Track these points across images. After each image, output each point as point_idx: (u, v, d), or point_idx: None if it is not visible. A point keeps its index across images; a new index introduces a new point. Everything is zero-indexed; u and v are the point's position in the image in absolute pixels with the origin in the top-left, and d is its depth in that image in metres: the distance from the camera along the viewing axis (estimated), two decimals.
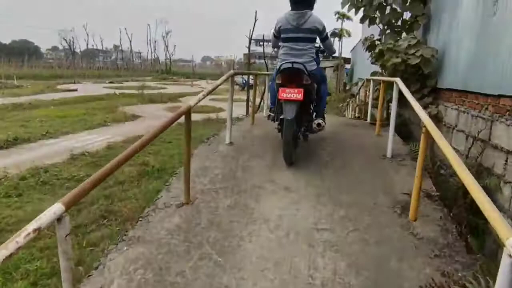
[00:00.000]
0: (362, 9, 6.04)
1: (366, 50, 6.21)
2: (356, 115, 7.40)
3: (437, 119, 4.82)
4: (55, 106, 17.02)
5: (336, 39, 29.24)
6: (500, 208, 2.71)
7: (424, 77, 5.06)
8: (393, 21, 5.79)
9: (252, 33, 13.76)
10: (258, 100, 12.26)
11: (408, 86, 5.32)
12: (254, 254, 2.32)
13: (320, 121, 3.84)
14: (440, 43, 5.02)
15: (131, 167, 7.46)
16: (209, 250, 2.35)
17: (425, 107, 4.89)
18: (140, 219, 2.77)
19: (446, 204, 3.02)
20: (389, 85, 5.10)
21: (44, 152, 8.42)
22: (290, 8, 3.74)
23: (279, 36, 3.83)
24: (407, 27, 5.92)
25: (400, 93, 3.80)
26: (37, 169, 6.94)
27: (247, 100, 14.06)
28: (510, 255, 1.14)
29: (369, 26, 6.20)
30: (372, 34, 6.14)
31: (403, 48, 4.96)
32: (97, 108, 16.42)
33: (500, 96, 3.11)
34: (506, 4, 3.11)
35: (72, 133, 10.70)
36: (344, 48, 32.47)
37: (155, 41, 70.01)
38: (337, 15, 26.59)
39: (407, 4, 5.80)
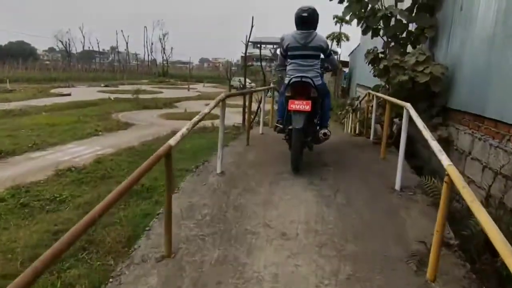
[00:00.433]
0: (365, 19, 5.66)
1: (368, 64, 5.82)
2: (357, 131, 7.00)
3: (447, 142, 4.44)
4: (46, 113, 16.56)
5: (335, 43, 28.98)
6: None
7: (433, 95, 4.68)
8: (398, 33, 5.40)
9: (248, 40, 13.40)
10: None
11: (415, 105, 4.93)
12: None
13: (325, 131, 4.11)
14: (450, 58, 4.64)
15: (118, 185, 7.02)
16: None
17: (434, 128, 4.51)
18: (111, 279, 2.35)
19: (467, 255, 2.62)
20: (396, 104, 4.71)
21: (28, 167, 7.98)
22: (295, 28, 4.00)
23: (287, 53, 4.06)
24: (412, 39, 5.54)
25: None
26: (18, 189, 6.51)
27: (244, 107, 13.75)
28: None
29: (372, 38, 5.81)
30: (376, 47, 5.75)
31: (410, 65, 4.57)
32: (89, 115, 15.98)
33: None
34: None
35: (60, 144, 10.26)
36: (342, 50, 32.07)
37: (151, 44, 69.58)
38: (335, 19, 26.31)
39: (413, 14, 5.43)
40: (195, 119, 2.82)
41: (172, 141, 2.38)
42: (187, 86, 36.51)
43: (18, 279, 1.02)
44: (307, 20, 3.90)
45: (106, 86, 34.63)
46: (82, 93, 26.54)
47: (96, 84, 36.84)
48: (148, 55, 67.36)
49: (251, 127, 6.06)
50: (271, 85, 28.03)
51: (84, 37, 71.70)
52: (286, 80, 4.02)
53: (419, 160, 5.53)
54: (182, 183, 3.52)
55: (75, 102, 20.40)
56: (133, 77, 52.43)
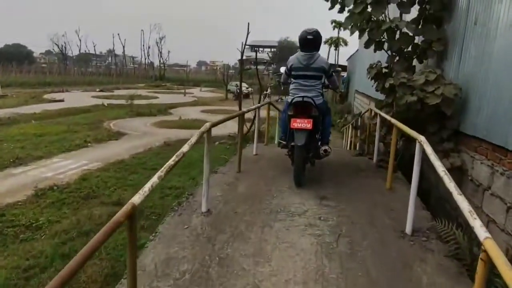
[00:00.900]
0: (367, 31, 5.21)
1: (371, 79, 5.37)
2: (358, 149, 6.54)
3: (460, 171, 3.99)
4: (36, 121, 16.04)
5: (333, 47, 28.60)
6: None
7: (443, 117, 4.22)
8: (404, 47, 4.96)
9: (244, 46, 12.98)
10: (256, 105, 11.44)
11: (423, 127, 4.50)
12: None
13: (326, 147, 4.31)
14: (463, 77, 4.19)
15: (102, 207, 6.55)
16: None
17: (445, 154, 4.06)
18: None
19: None
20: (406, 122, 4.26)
21: (8, 186, 7.46)
22: (299, 47, 4.28)
23: (290, 73, 4.31)
24: (419, 53, 5.10)
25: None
26: None
27: (240, 105, 13.24)
28: None
29: (375, 51, 5.37)
30: (379, 61, 5.30)
31: (419, 84, 4.12)
32: (80, 124, 15.47)
33: None
34: None
35: (45, 158, 9.73)
36: (340, 55, 31.72)
37: (148, 47, 69.10)
38: (333, 24, 25.94)
39: (420, 26, 4.99)
40: (171, 162, 2.34)
41: (136, 198, 1.91)
42: (183, 91, 36.00)
43: None
44: (311, 42, 4.16)
45: (101, 91, 34.11)
46: (76, 98, 26.01)
47: (91, 88, 36.30)
48: (145, 58, 66.86)
49: (242, 149, 5.61)
50: (268, 90, 27.59)
51: (80, 40, 71.15)
52: (289, 99, 4.25)
53: (425, 181, 5.08)
54: (161, 227, 3.04)
55: (67, 109, 19.89)
56: (129, 81, 51.96)
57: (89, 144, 11.54)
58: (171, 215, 3.25)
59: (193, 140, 2.69)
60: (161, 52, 63.80)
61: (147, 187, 1.99)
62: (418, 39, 5.21)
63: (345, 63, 29.91)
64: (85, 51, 67.33)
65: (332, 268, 2.59)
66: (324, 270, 2.57)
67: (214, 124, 3.19)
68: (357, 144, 6.82)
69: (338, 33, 27.90)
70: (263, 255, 2.71)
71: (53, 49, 66.95)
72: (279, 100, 32.92)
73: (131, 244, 1.95)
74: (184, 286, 2.41)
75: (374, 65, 5.31)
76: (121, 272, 4.11)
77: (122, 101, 23.22)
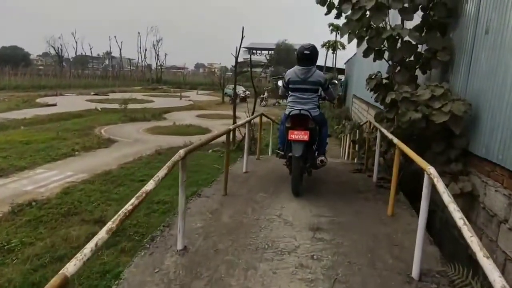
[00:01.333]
0: (366, 39, 4.81)
1: (371, 91, 4.97)
2: (356, 162, 6.13)
3: (471, 197, 3.57)
4: (25, 127, 15.59)
5: (330, 51, 28.26)
6: None
7: (450, 134, 3.81)
8: (406, 57, 4.56)
9: (238, 50, 12.58)
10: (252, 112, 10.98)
11: (428, 144, 4.10)
12: None
13: (323, 158, 4.47)
14: (472, 92, 3.78)
15: (82, 225, 6.10)
16: None
17: (453, 177, 3.65)
18: None
19: None
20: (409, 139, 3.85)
21: None
22: (297, 63, 4.41)
23: (288, 86, 4.44)
24: (422, 63, 4.70)
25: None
26: None
27: (234, 119, 12.81)
28: None
29: (374, 61, 4.96)
30: (379, 72, 4.90)
31: (424, 100, 3.71)
32: (70, 130, 15.01)
33: None
34: None
35: (29, 168, 9.28)
36: (337, 58, 31.33)
37: (145, 49, 68.69)
38: (331, 27, 25.60)
39: (423, 34, 4.59)
40: (129, 206, 1.92)
41: (71, 266, 1.47)
42: (179, 94, 35.56)
43: None
44: (308, 57, 4.31)
45: (95, 94, 33.62)
46: (69, 102, 25.52)
47: (86, 92, 35.81)
48: (142, 61, 66.40)
49: (229, 166, 5.18)
50: (265, 93, 27.21)
51: (76, 42, 70.67)
52: (287, 112, 4.41)
53: (430, 202, 4.67)
54: (127, 271, 2.61)
55: (58, 114, 19.43)
56: (125, 84, 51.42)
57: (76, 152, 11.09)
58: (141, 255, 2.81)
59: (160, 174, 2.26)
60: (158, 55, 63.39)
61: (88, 248, 1.56)
62: (421, 48, 4.82)
63: (343, 66, 29.61)
64: (82, 53, 66.76)
65: None
66: None
67: (190, 150, 2.76)
68: (355, 158, 6.40)
69: (336, 36, 27.53)
70: None
71: (49, 51, 66.43)
72: (276, 104, 32.56)
73: None
74: None
75: (374, 76, 4.91)
76: None
77: (116, 105, 22.74)
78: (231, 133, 9.47)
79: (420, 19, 4.69)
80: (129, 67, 72.32)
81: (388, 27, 4.60)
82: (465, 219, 1.83)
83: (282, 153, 4.54)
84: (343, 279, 2.58)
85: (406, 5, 4.43)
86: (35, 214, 6.41)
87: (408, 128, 3.98)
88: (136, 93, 36.97)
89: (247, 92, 31.84)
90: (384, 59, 4.85)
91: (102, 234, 1.69)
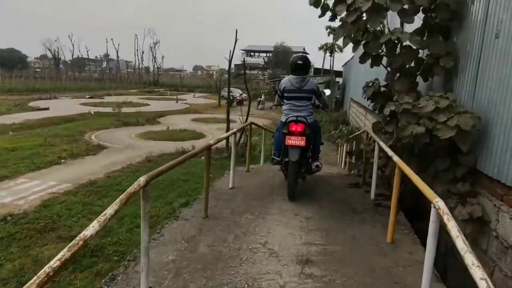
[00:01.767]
0: (362, 44, 4.42)
1: (368, 99, 4.57)
2: (354, 173, 5.72)
3: (481, 221, 3.17)
4: (14, 132, 15.14)
5: (328, 54, 27.88)
6: None
7: (456, 150, 3.41)
8: (406, 64, 4.16)
9: (232, 54, 12.21)
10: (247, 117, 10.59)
11: (430, 161, 3.70)
12: None
13: (317, 163, 4.65)
14: (480, 102, 3.39)
15: (58, 244, 5.66)
16: None
17: (460, 199, 3.24)
18: None
19: None
20: (411, 159, 3.45)
21: None
22: (291, 73, 4.59)
23: (283, 94, 4.60)
24: (423, 69, 4.31)
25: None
26: None
27: (228, 124, 12.37)
28: None
29: (371, 67, 4.56)
30: (377, 79, 4.50)
31: (427, 112, 3.31)
32: (60, 135, 14.56)
33: None
34: None
35: (11, 177, 8.83)
36: (335, 61, 30.99)
37: (142, 52, 68.31)
38: (328, 30, 25.24)
39: (424, 38, 4.20)
40: (78, 243, 1.50)
41: None
42: (175, 97, 35.14)
43: None
44: (301, 67, 4.52)
45: (90, 97, 33.18)
46: (63, 106, 25.04)
47: (81, 95, 35.35)
48: (139, 63, 65.98)
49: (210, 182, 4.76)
50: (262, 96, 26.86)
51: (73, 45, 70.24)
52: (283, 119, 4.53)
53: (427, 220, 4.27)
54: None
55: (50, 118, 18.96)
56: (122, 87, 50.95)
57: (62, 160, 10.64)
58: None
59: (109, 212, 1.85)
60: (155, 57, 62.97)
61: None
62: (422, 53, 4.42)
63: (341, 69, 29.26)
64: (78, 56, 66.31)
65: None
66: None
67: (152, 177, 2.35)
68: (352, 170, 5.99)
69: (333, 39, 27.20)
70: None
71: (46, 54, 66.02)
72: (273, 107, 32.10)
73: None
74: None
75: (371, 83, 4.51)
76: None
77: (111, 109, 22.30)
78: (230, 136, 9.06)
79: (421, 22, 4.31)
80: (129, 69, 71.86)
81: (387, 31, 4.21)
82: (488, 280, 1.42)
83: (278, 159, 4.66)
84: None
85: (405, 6, 4.04)
86: (9, 230, 5.97)
87: (409, 146, 3.58)
88: (132, 96, 36.53)
89: (244, 95, 31.44)
90: (382, 65, 4.46)
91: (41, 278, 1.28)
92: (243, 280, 2.59)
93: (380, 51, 4.26)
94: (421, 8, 4.15)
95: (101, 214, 1.82)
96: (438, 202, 2.01)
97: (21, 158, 10.65)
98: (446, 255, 3.75)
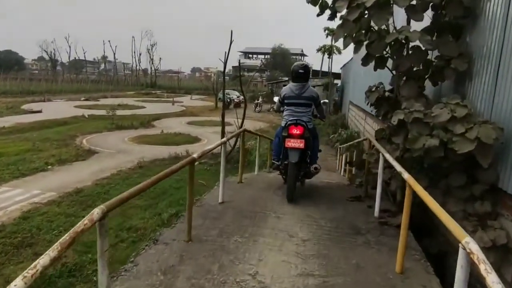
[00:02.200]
0: (365, 44, 4.00)
1: (371, 105, 4.15)
2: (354, 191, 5.29)
3: (506, 249, 2.74)
4: (2, 136, 14.64)
5: (326, 55, 27.50)
6: None
7: (474, 164, 2.99)
8: (415, 66, 3.74)
9: (227, 56, 11.77)
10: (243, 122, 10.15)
11: (441, 174, 3.28)
12: None
13: (316, 165, 4.78)
14: (500, 111, 2.97)
15: (34, 260, 5.21)
16: None
17: (480, 221, 2.82)
18: None
19: None
20: (420, 173, 3.03)
21: None
22: (292, 81, 4.76)
23: (283, 101, 4.72)
24: (432, 72, 3.89)
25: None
26: None
27: (223, 128, 11.90)
28: None
29: (375, 70, 4.14)
30: (381, 83, 4.08)
31: (442, 122, 2.88)
32: (50, 139, 14.08)
33: None
34: None
35: None
36: (333, 63, 30.59)
37: (139, 54, 67.85)
38: (326, 31, 24.87)
39: (434, 38, 3.78)
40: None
41: None
42: (172, 100, 34.69)
43: None
44: (302, 75, 4.67)
45: (86, 100, 32.68)
46: (56, 109, 24.56)
47: (76, 97, 34.84)
48: (136, 65, 65.50)
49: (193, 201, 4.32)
50: (260, 99, 26.41)
51: (70, 47, 69.74)
52: (283, 123, 4.68)
53: (436, 238, 3.87)
54: None
55: (41, 122, 18.49)
56: (119, 89, 50.45)
57: (49, 167, 10.17)
58: None
59: (42, 263, 1.41)
60: (152, 59, 62.49)
61: None
62: (431, 55, 4.01)
63: (339, 71, 28.89)
64: (75, 58, 65.79)
65: None
66: None
67: (111, 207, 1.91)
68: (353, 180, 5.55)
69: (332, 40, 26.78)
70: None
71: (43, 56, 65.51)
72: (271, 110, 31.68)
73: None
74: None
75: (374, 88, 4.09)
76: None
77: (105, 111, 21.81)
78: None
79: (428, 20, 3.90)
80: (123, 72, 71.38)
81: (392, 29, 3.79)
82: None
83: (277, 163, 4.79)
84: None
85: (413, 2, 3.63)
86: None
87: (418, 159, 3.16)
88: (128, 99, 36.06)
89: (241, 98, 31.05)
90: (387, 67, 4.04)
91: None
92: None
93: (385, 52, 3.84)
94: (431, 4, 3.75)
95: (31, 266, 1.39)
96: (470, 244, 1.57)
97: (6, 164, 10.18)
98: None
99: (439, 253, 3.78)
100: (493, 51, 3.23)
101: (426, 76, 4.01)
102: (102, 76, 61.44)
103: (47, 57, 64.64)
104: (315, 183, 5.86)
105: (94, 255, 5.44)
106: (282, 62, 57.75)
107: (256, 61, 66.71)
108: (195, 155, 3.16)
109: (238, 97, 30.54)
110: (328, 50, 28.34)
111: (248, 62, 68.19)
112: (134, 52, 64.72)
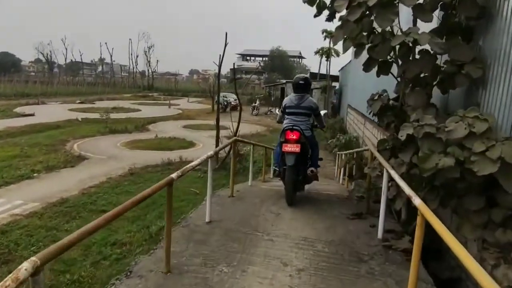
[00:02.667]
0: (367, 48, 3.61)
1: (374, 115, 3.76)
2: (355, 205, 4.89)
3: None
4: None
5: (324, 58, 27.20)
6: None
7: (493, 185, 2.60)
8: (424, 72, 3.36)
9: (222, 59, 11.38)
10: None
11: (452, 193, 2.90)
12: None
13: (312, 168, 4.94)
14: None
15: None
16: None
17: (501, 252, 2.42)
18: None
19: None
20: (428, 192, 2.64)
21: None
22: (293, 91, 5.07)
23: (285, 110, 5.02)
24: (440, 78, 3.51)
25: None
26: None
27: (217, 133, 11.50)
28: None
29: (378, 76, 3.75)
30: (385, 90, 3.70)
31: (458, 138, 2.49)
32: (40, 144, 13.63)
33: None
34: None
35: None
36: (331, 66, 30.19)
37: (136, 56, 67.48)
38: (324, 34, 24.55)
39: (443, 40, 3.40)
40: None
41: None
42: (168, 103, 34.28)
43: None
44: (302, 86, 4.92)
45: (81, 102, 32.23)
46: (50, 112, 24.08)
47: (71, 100, 34.38)
48: (133, 67, 65.08)
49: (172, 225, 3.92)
50: (257, 101, 26.04)
51: (66, 49, 69.28)
52: (282, 130, 4.82)
53: (446, 261, 3.49)
54: None
55: (33, 126, 18.03)
56: (116, 91, 49.98)
57: (35, 174, 9.72)
58: None
59: None
60: (149, 62, 62.10)
61: None
62: (440, 59, 3.63)
63: (337, 74, 28.55)
64: (71, 60, 65.33)
65: None
66: None
67: (48, 259, 1.50)
68: (354, 196, 5.15)
69: (330, 43, 26.43)
70: None
71: (38, 57, 65.06)
72: (269, 113, 31.29)
73: None
74: None
75: (377, 96, 3.70)
76: None
77: (100, 114, 21.38)
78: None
79: (439, 21, 3.52)
80: (122, 74, 70.92)
81: (396, 31, 3.42)
82: None
83: (278, 169, 5.08)
84: None
85: (421, 1, 3.26)
86: None
87: (429, 180, 2.77)
88: (125, 101, 35.61)
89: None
90: (392, 74, 3.65)
91: None
92: None
93: (389, 57, 3.46)
94: (440, 3, 3.37)
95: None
96: None
97: None
98: None
99: (450, 279, 3.40)
100: (509, 57, 2.85)
101: (434, 83, 3.63)
102: (99, 79, 60.96)
103: (44, 59, 64.17)
104: (313, 196, 5.49)
105: (74, 274, 5.03)
106: (280, 65, 57.49)
107: (254, 64, 66.40)
108: (174, 175, 2.77)
109: (235, 100, 30.15)
110: (326, 53, 28.02)
111: (246, 64, 67.91)
112: (131, 54, 64.35)
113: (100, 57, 65.44)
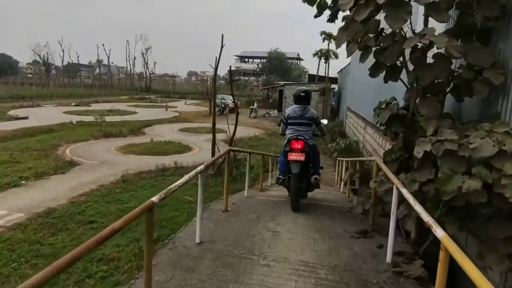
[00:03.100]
0: (374, 51, 3.26)
1: (381, 125, 3.41)
2: (360, 222, 4.53)
3: None
4: None
5: (323, 60, 26.88)
6: None
7: None
8: (439, 79, 3.00)
9: (218, 61, 11.03)
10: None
11: (478, 224, 2.54)
12: None
13: (316, 175, 5.28)
14: None
15: None
16: None
17: None
18: None
19: None
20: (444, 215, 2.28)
21: None
22: (295, 103, 5.34)
23: (287, 121, 5.29)
24: (457, 86, 3.16)
25: None
26: None
27: (213, 136, 11.11)
28: None
29: (386, 82, 3.39)
30: (394, 98, 3.34)
31: (484, 157, 2.14)
32: (30, 149, 13.24)
33: None
34: None
35: None
36: (330, 68, 29.92)
37: (134, 58, 67.07)
38: (323, 36, 24.24)
39: (459, 41, 3.05)
40: None
41: None
42: (165, 105, 33.88)
43: None
44: (304, 98, 5.27)
45: (76, 105, 31.81)
46: (44, 115, 23.69)
47: (67, 102, 33.95)
48: (131, 69, 64.66)
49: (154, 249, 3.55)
50: (255, 104, 25.66)
51: (63, 50, 68.78)
52: (286, 140, 5.14)
53: (463, 286, 3.13)
54: None
55: (25, 129, 17.62)
56: (113, 93, 49.55)
57: (23, 181, 9.32)
58: None
59: None
60: (146, 63, 61.69)
61: None
62: (454, 64, 3.28)
63: (336, 76, 28.24)
64: (68, 61, 64.86)
65: None
66: None
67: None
68: (356, 207, 4.79)
69: (328, 45, 26.14)
70: None
71: (35, 58, 64.53)
72: (267, 115, 30.93)
73: None
74: None
75: (385, 104, 3.34)
76: None
77: (94, 118, 20.95)
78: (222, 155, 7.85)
79: (454, 23, 3.18)
80: (118, 76, 70.50)
81: (409, 32, 3.07)
82: None
83: (282, 178, 5.30)
84: None
85: None
86: None
87: (446, 203, 2.41)
88: (121, 104, 35.20)
89: (238, 102, 30.28)
90: (401, 80, 3.30)
91: None
92: None
93: (399, 61, 3.11)
94: (455, 2, 3.03)
95: None
96: None
97: None
98: None
99: None
100: None
101: (448, 90, 3.28)
102: (97, 80, 60.51)
103: (41, 61, 63.63)
104: (314, 209, 5.13)
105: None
106: (278, 66, 57.18)
107: (252, 65, 66.06)
108: (154, 199, 2.40)
109: (233, 102, 29.80)
110: (324, 55, 27.70)
111: (244, 66, 67.60)
112: (129, 56, 63.94)
113: (98, 58, 64.91)
